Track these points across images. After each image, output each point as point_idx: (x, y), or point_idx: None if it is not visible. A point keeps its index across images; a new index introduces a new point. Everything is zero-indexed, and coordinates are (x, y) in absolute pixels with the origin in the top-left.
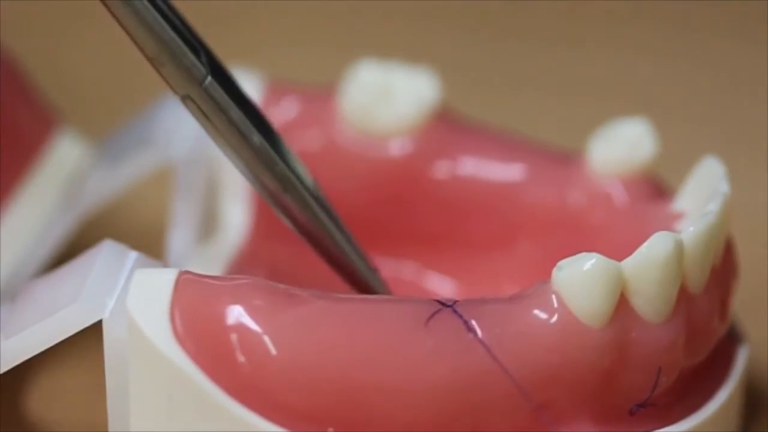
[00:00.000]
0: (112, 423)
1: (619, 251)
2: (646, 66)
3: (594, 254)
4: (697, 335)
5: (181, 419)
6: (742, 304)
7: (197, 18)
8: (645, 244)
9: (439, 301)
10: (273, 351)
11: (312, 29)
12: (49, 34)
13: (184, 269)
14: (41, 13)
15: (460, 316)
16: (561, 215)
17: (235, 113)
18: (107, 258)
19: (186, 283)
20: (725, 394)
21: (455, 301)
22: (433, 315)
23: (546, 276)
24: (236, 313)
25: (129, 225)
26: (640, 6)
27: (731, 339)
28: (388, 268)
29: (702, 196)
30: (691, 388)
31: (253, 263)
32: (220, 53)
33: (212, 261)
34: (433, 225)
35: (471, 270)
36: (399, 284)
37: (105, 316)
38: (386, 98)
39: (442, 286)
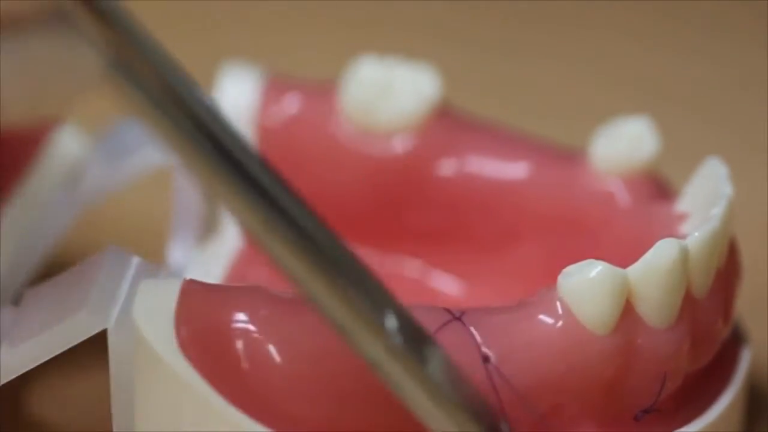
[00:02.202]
0: (118, 430)
1: (621, 250)
2: (649, 64)
3: (599, 262)
4: (702, 339)
5: (186, 428)
6: (744, 305)
7: (197, 15)
8: (650, 251)
9: (447, 310)
10: (278, 360)
11: (313, 25)
12: None
13: (188, 278)
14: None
15: (467, 328)
16: (564, 213)
17: None
18: (110, 265)
19: (190, 292)
20: (729, 398)
21: (462, 312)
22: (440, 329)
23: (549, 274)
24: (241, 323)
25: (130, 223)
26: (644, 3)
27: (734, 341)
28: (391, 265)
29: (705, 198)
30: (695, 392)
31: (255, 263)
32: (221, 50)
33: (213, 261)
34: (435, 222)
35: (474, 267)
36: (402, 282)
37: (110, 325)
38: (387, 94)
39: (445, 283)
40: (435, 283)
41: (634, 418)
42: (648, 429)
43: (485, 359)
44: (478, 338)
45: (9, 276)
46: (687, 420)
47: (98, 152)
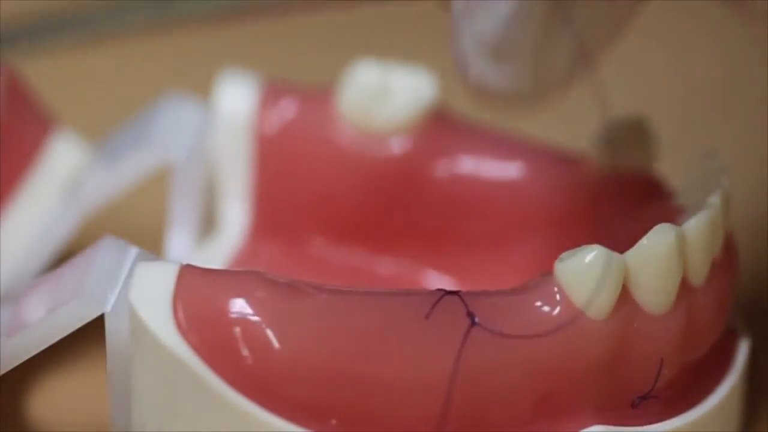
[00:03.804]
0: (115, 417)
1: (619, 248)
2: (645, 63)
3: (595, 246)
4: (698, 327)
5: (184, 411)
6: (744, 300)
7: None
8: (646, 235)
9: (442, 290)
10: (276, 343)
11: (310, 29)
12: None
13: (185, 262)
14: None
15: (465, 304)
16: (560, 213)
17: None
18: (108, 253)
19: (188, 275)
20: (726, 388)
21: (458, 291)
22: (436, 303)
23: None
24: (239, 306)
25: (128, 225)
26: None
27: (732, 334)
28: (388, 266)
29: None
30: (693, 382)
31: (252, 263)
32: (219, 54)
33: (211, 261)
34: (432, 223)
35: (470, 268)
36: (398, 283)
37: (107, 310)
38: (384, 97)
39: (441, 284)
40: (431, 284)
41: (632, 404)
42: (645, 416)
43: (471, 318)
44: (475, 314)
45: (10, 282)
46: (685, 408)
47: (97, 158)
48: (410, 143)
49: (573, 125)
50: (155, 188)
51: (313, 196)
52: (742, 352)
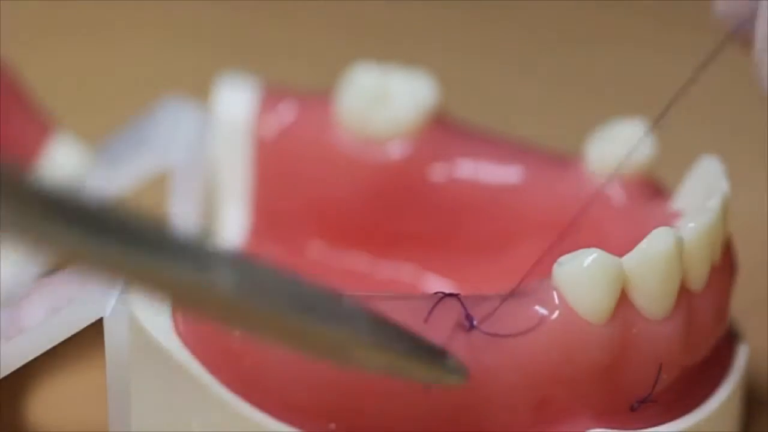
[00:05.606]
0: (113, 420)
1: (617, 251)
2: (644, 66)
3: (594, 250)
4: (697, 332)
5: (183, 415)
6: (742, 304)
7: (196, 25)
8: (645, 239)
9: (441, 293)
10: (275, 348)
11: (310, 34)
12: (44, 40)
13: None
14: (37, 19)
15: (464, 307)
16: (559, 216)
17: None
18: None
19: None
20: (725, 392)
21: (458, 294)
22: (434, 306)
23: (545, 277)
24: None
25: None
26: (638, 5)
27: (731, 339)
28: (387, 270)
29: (700, 195)
30: (692, 386)
31: None
32: (218, 58)
33: None
34: (431, 227)
35: (469, 272)
36: (398, 286)
37: (106, 314)
38: (384, 101)
39: (440, 287)
40: (430, 287)
41: (630, 408)
42: (644, 419)
43: (469, 321)
44: (474, 318)
45: (10, 286)
46: (684, 412)
47: (96, 162)
48: (409, 147)
49: (572, 127)
50: (154, 192)
51: (312, 200)
52: (741, 356)
